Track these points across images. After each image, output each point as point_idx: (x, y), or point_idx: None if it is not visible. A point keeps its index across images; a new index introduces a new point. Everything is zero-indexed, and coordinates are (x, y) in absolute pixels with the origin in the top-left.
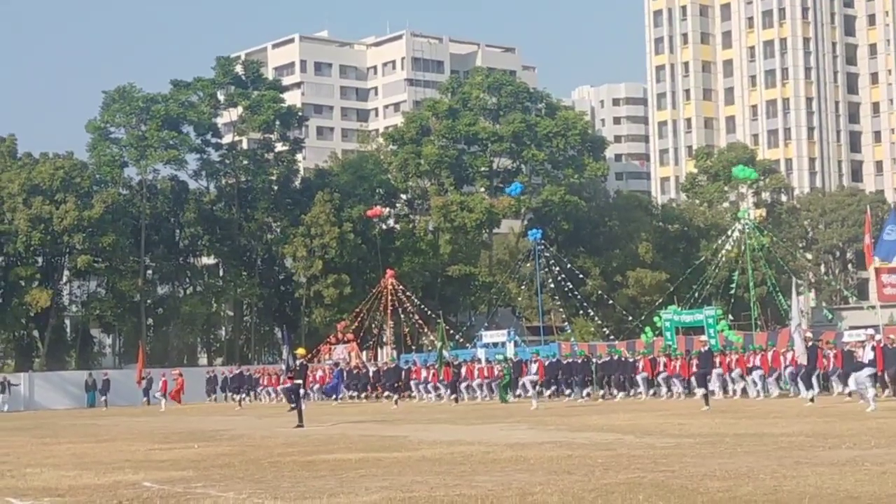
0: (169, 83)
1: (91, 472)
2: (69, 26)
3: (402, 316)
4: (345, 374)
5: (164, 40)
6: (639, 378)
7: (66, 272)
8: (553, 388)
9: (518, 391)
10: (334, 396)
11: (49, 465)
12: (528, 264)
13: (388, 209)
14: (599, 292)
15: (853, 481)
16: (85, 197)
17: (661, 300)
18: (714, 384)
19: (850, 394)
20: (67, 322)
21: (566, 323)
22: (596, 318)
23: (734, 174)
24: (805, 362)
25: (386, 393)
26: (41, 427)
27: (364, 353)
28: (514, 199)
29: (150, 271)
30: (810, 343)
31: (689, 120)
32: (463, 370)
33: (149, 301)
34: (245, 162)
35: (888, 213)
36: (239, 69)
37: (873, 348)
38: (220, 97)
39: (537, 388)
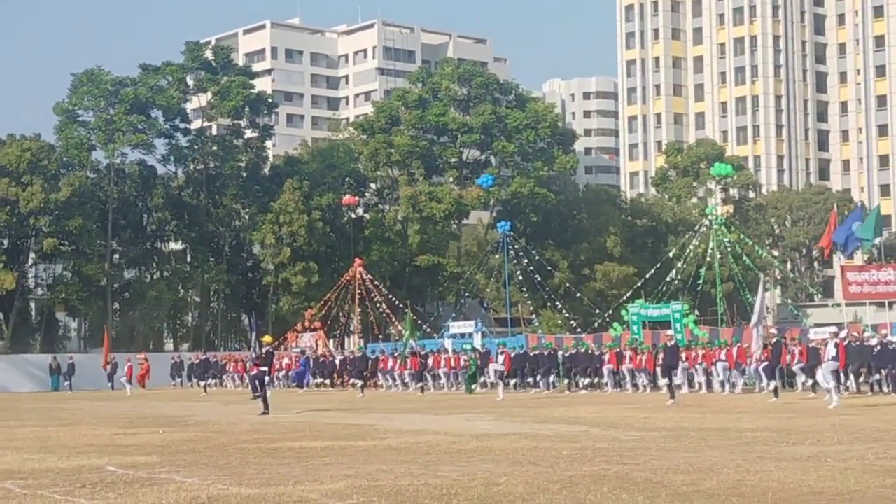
0: (138, 67)
1: (55, 456)
2: (38, 7)
3: (370, 305)
4: (311, 362)
5: (134, 24)
6: (605, 370)
7: (31, 255)
8: (517, 379)
9: (482, 378)
10: (303, 383)
11: (12, 448)
12: (497, 256)
13: (357, 198)
14: (567, 285)
15: (816, 477)
16: (52, 179)
17: (628, 294)
18: (680, 378)
19: (814, 388)
20: (32, 305)
21: (534, 315)
22: (563, 311)
23: (714, 172)
24: (758, 355)
25: (352, 381)
26: (4, 410)
27: (331, 341)
28: (483, 190)
29: (116, 255)
30: (775, 339)
31: (658, 115)
32: (430, 360)
33: (115, 285)
34: (214, 148)
35: (851, 212)
36: (209, 54)
37: (836, 345)
38: (190, 82)
39: (504, 378)
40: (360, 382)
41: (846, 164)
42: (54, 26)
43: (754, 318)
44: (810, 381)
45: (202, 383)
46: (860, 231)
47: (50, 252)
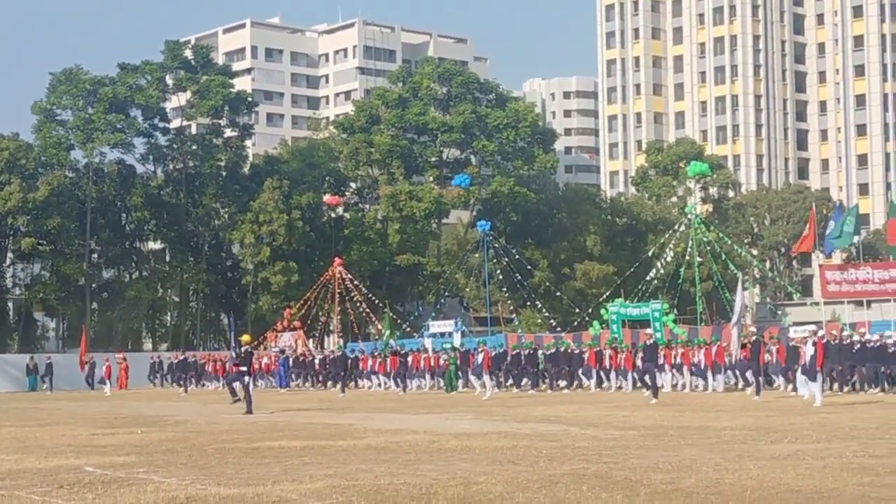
0: (117, 66)
1: (32, 457)
2: (16, 5)
3: (350, 304)
4: (290, 361)
5: (113, 23)
6: (589, 370)
7: (9, 254)
8: (496, 378)
9: (469, 380)
10: (284, 385)
11: None
12: (477, 255)
13: (340, 197)
14: (547, 284)
15: (794, 475)
16: (30, 179)
17: (608, 293)
18: (664, 377)
19: (794, 389)
20: (10, 305)
21: (513, 314)
22: (543, 310)
23: (690, 171)
24: (738, 354)
25: (329, 382)
26: None
27: (310, 341)
28: (463, 189)
29: (95, 255)
30: (754, 338)
31: (638, 114)
32: (409, 359)
33: (93, 285)
34: (193, 147)
35: (832, 211)
36: (188, 53)
37: (814, 344)
38: (169, 81)
39: (491, 378)
40: (340, 384)
41: (825, 164)
42: (32, 25)
43: (734, 318)
44: (790, 387)
45: (181, 384)
46: (834, 233)
47: (28, 251)
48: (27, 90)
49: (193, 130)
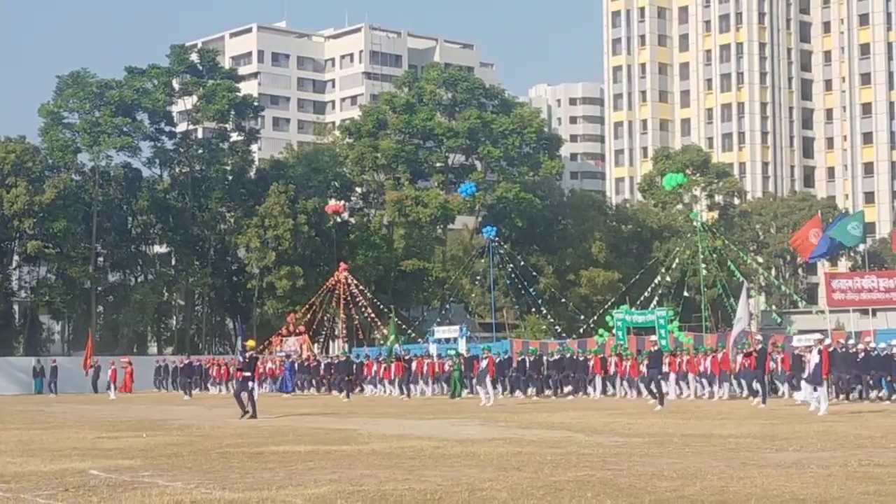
0: (124, 70)
1: (37, 459)
2: (23, 8)
3: (355, 309)
4: (296, 366)
5: (119, 26)
6: (597, 378)
7: (15, 257)
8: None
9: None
10: (288, 388)
11: None
12: (482, 261)
13: (342, 202)
14: (552, 290)
15: (799, 483)
16: (36, 182)
17: (613, 300)
18: (670, 385)
19: (800, 398)
20: (16, 307)
21: (518, 320)
22: (548, 317)
23: (665, 184)
24: (738, 362)
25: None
26: None
27: (315, 345)
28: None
29: (101, 258)
30: (760, 346)
31: (644, 121)
32: (413, 365)
33: (99, 288)
34: (199, 151)
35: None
36: (194, 57)
37: (820, 352)
38: (175, 85)
39: (494, 386)
40: (346, 389)
41: (831, 172)
42: (39, 28)
43: (736, 326)
44: (796, 395)
45: (185, 388)
46: (835, 232)
47: (34, 254)
48: (34, 93)
49: (200, 134)
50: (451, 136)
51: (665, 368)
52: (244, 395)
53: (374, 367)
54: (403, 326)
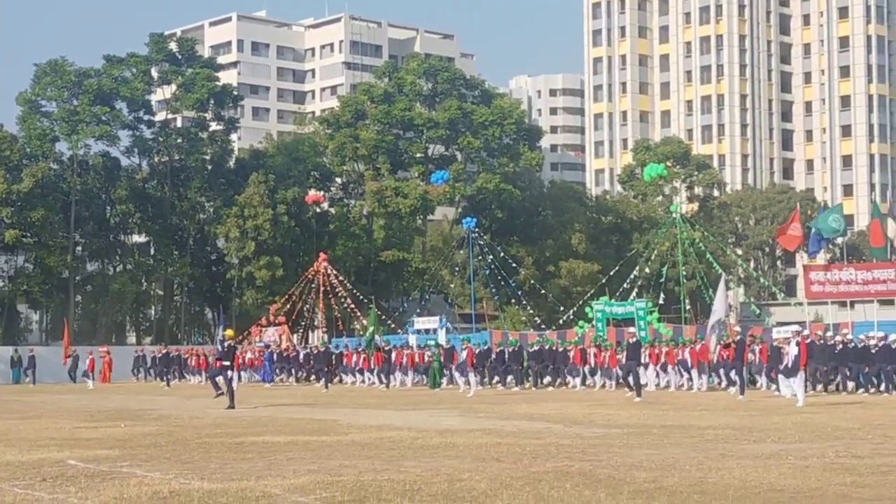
0: (102, 58)
1: (15, 450)
2: None
3: (334, 300)
4: (275, 356)
5: (98, 14)
6: (570, 368)
7: None
8: (479, 376)
9: (455, 378)
10: (270, 380)
11: None
12: (462, 252)
13: (322, 192)
14: (532, 282)
15: (777, 474)
16: (14, 171)
17: (592, 291)
18: (649, 376)
19: (776, 389)
20: None
21: (498, 311)
22: (528, 308)
23: (646, 175)
24: (714, 357)
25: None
26: None
27: (295, 336)
28: (446, 186)
29: (79, 248)
30: (738, 337)
31: (624, 113)
32: (393, 356)
33: (77, 278)
34: (178, 140)
35: (817, 211)
36: (173, 46)
37: (798, 344)
38: (154, 74)
39: (475, 375)
40: (324, 379)
41: (809, 164)
42: (17, 15)
43: (712, 317)
44: (774, 388)
45: (163, 378)
46: (818, 223)
47: (11, 243)
48: (12, 81)
49: (178, 124)
50: (431, 127)
51: (645, 360)
52: (220, 380)
53: (354, 358)
54: (383, 317)
